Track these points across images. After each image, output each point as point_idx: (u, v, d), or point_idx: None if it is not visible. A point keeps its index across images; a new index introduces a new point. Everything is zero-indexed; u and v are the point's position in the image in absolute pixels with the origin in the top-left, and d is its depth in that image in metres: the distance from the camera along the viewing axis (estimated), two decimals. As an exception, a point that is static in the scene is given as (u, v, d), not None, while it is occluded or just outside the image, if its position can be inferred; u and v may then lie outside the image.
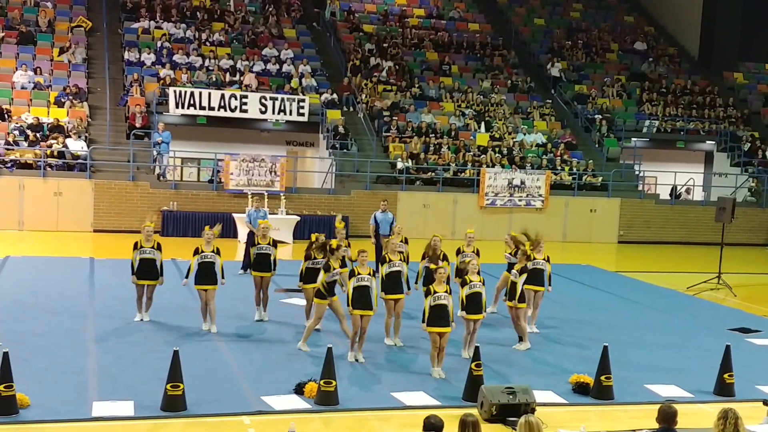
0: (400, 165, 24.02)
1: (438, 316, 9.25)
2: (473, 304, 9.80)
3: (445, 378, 9.31)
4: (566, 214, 25.07)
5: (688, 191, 28.36)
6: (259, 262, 11.63)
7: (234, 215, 21.22)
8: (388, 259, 10.54)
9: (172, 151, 22.90)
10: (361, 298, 9.60)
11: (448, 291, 9.34)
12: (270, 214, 21.25)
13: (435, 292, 9.30)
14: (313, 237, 10.88)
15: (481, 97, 28.32)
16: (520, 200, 24.51)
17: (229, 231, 21.60)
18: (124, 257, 17.49)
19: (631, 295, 15.84)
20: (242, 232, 20.76)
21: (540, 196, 24.61)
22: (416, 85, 28.17)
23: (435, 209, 23.56)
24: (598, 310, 14.18)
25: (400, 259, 10.67)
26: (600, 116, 28.40)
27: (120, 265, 16.28)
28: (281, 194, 21.95)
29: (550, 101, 29.05)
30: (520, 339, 11.00)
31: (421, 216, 23.64)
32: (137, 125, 23.00)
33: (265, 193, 21.70)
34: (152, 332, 10.87)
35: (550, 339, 11.64)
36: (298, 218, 21.40)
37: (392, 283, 10.49)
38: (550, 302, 14.42)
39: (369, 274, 9.65)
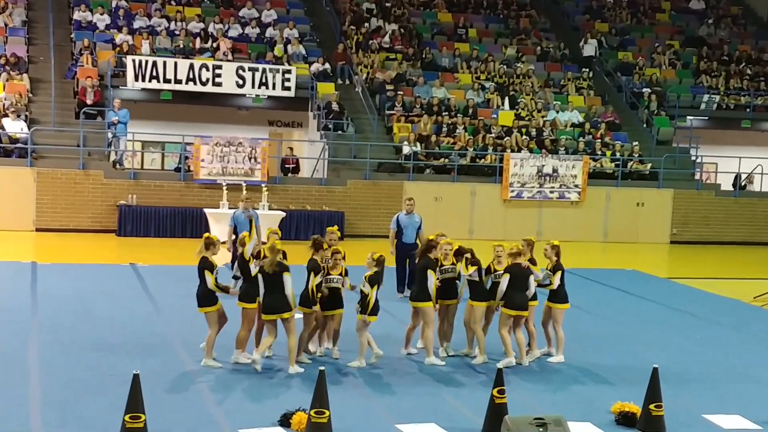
0: (406, 150, 24.04)
1: (444, 289, 10.92)
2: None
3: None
4: (607, 209, 25.09)
5: (753, 181, 28.36)
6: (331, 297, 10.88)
7: (206, 211, 21.25)
8: (440, 263, 11.06)
9: (130, 133, 22.93)
10: (329, 299, 10.67)
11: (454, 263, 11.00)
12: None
13: (441, 265, 10.95)
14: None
15: (505, 67, 28.32)
16: (551, 192, 24.53)
17: (199, 229, 21.62)
18: (72, 261, 17.55)
19: (686, 306, 15.85)
20: (216, 231, 20.77)
21: (576, 186, 24.63)
22: (426, 53, 28.17)
23: (449, 203, 23.60)
24: (645, 324, 14.19)
25: (453, 263, 11.16)
26: (648, 90, 28.40)
27: (68, 271, 16.29)
28: (263, 185, 21.97)
29: (588, 71, 29.03)
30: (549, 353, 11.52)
31: (432, 211, 23.68)
32: (88, 102, 23.03)
33: (243, 184, 21.72)
34: (107, 352, 10.90)
35: (589, 359, 11.65)
36: (284, 214, 21.43)
37: (447, 288, 11.16)
38: (588, 315, 14.42)
39: (340, 274, 10.68)
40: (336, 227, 11.80)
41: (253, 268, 10.33)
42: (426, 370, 10.74)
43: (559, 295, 11.29)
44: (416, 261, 11.35)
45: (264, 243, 10.63)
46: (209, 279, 10.29)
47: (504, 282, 10.86)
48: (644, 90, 28.48)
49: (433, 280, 10.79)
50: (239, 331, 10.49)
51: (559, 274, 11.20)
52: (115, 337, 11.61)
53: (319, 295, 10.67)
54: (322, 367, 8.29)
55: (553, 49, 29.93)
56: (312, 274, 10.53)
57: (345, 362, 10.80)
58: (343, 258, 10.85)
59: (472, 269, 10.95)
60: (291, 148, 25.44)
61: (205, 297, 10.40)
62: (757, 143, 29.63)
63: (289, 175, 24.22)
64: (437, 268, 11.03)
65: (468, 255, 11.11)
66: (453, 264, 11.21)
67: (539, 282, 11.16)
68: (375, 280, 10.62)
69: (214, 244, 10.45)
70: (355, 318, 10.76)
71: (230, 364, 10.49)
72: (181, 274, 16.74)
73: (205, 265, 10.35)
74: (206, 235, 10.82)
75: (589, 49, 29.90)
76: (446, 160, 24.37)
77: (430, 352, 10.97)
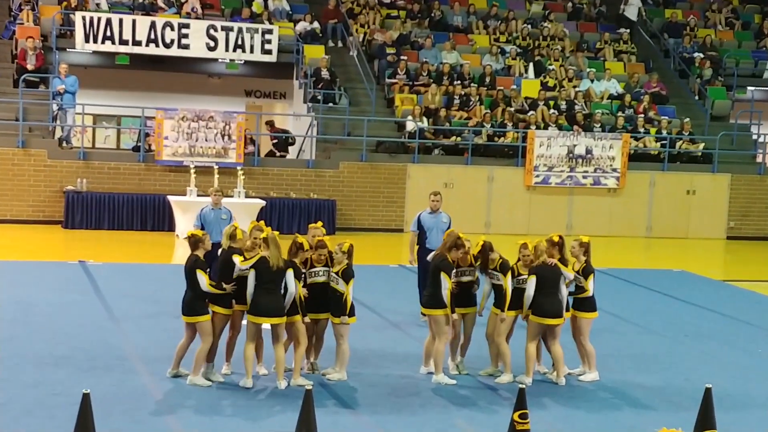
0: (410, 126, 24.03)
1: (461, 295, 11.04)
2: None
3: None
4: (652, 198, 25.10)
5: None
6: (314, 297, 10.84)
7: (170, 198, 21.25)
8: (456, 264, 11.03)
9: (79, 104, 22.89)
10: (313, 300, 10.68)
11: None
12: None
13: (459, 266, 11.02)
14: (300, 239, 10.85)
15: (529, 27, 28.28)
16: (584, 177, 24.53)
17: (162, 221, 21.64)
18: (9, 258, 17.55)
19: (746, 314, 15.85)
20: (183, 222, 20.78)
21: (614, 170, 24.64)
22: (435, 10, 28.12)
23: (461, 190, 23.59)
24: (697, 336, 14.20)
25: (472, 264, 11.21)
26: (701, 55, 28.37)
27: (4, 270, 16.28)
28: (238, 168, 21.97)
29: (629, 32, 28.99)
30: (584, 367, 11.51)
31: (443, 199, 23.68)
32: (29, 67, 23.01)
33: (215, 167, 21.71)
34: (52, 368, 10.90)
35: (628, 378, 11.66)
36: (263, 203, 21.42)
37: (464, 294, 11.21)
38: (628, 326, 14.42)
39: (325, 266, 10.75)
40: (320, 223, 11.62)
41: (238, 267, 10.33)
42: (435, 390, 10.74)
43: (586, 302, 11.27)
44: (430, 259, 11.31)
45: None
46: (203, 280, 10.27)
47: (530, 286, 10.86)
48: (696, 55, 28.45)
49: (447, 284, 10.77)
50: (201, 345, 10.46)
51: (591, 277, 11.18)
52: (61, 350, 11.61)
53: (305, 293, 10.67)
54: (309, 385, 8.29)
55: (587, 5, 29.88)
56: (296, 281, 10.48)
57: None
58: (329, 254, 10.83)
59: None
60: (271, 123, 25.42)
61: (195, 304, 10.39)
62: (831, 119, 29.63)
63: (279, 154, 24.24)
64: (454, 270, 11.00)
65: (496, 255, 11.09)
66: (471, 265, 11.21)
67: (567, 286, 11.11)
68: (349, 274, 10.65)
69: (203, 240, 10.51)
70: (340, 324, 10.76)
71: (221, 383, 10.51)
72: (140, 274, 16.79)
73: (197, 265, 10.35)
74: (190, 232, 10.82)
75: (632, 9, 29.82)
76: (458, 138, 24.35)
77: (438, 369, 10.99)
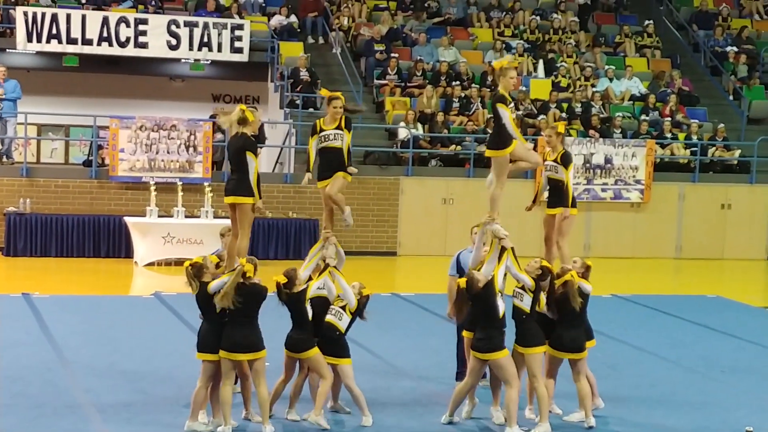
0: (403, 133, 24.04)
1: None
2: None
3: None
4: (681, 213, 25.10)
5: None
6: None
7: (127, 220, 21.20)
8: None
9: (21, 113, 22.84)
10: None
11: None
12: (188, 216, 21.32)
13: None
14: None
15: (538, 18, 28.32)
16: (604, 190, 24.53)
17: (118, 245, 21.55)
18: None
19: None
20: (142, 247, 20.71)
21: (637, 182, 24.65)
22: (430, 0, 28.17)
23: (462, 206, 23.55)
24: (735, 371, 14.15)
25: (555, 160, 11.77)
26: (736, 49, 28.42)
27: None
28: (206, 184, 21.94)
29: (653, 23, 29.05)
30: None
31: (441, 217, 23.68)
32: (-37, 71, 22.96)
33: (179, 183, 21.67)
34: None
35: (656, 420, 11.62)
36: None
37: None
38: (654, 359, 14.38)
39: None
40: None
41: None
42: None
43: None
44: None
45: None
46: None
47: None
48: (730, 49, 28.52)
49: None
50: (197, 390, 10.40)
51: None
52: (2, 397, 11.53)
53: None
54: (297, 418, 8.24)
55: (604, -7, 29.98)
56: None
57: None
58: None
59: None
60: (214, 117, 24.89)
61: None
62: None
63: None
64: None
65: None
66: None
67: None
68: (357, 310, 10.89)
69: (207, 266, 10.46)
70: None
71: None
72: (92, 308, 16.69)
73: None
74: (187, 263, 10.70)
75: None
76: (458, 147, 24.36)
77: (513, 420, 10.60)
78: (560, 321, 10.89)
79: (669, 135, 25.60)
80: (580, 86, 26.49)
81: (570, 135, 24.18)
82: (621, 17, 29.47)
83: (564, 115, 24.81)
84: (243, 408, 10.66)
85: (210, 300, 10.19)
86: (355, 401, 10.82)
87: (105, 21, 23.82)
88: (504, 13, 28.29)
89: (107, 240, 21.65)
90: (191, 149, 22.52)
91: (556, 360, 11.00)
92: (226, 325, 10.20)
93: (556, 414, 11.34)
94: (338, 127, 11.34)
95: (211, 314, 10.27)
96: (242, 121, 10.71)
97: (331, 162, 11.33)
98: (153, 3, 25.41)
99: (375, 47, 26.07)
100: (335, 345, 10.77)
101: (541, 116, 25.01)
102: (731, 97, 27.90)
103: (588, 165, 24.38)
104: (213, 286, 10.15)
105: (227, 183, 10.93)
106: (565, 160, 11.92)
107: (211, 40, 24.35)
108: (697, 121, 26.14)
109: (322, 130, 11.37)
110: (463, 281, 10.65)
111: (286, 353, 10.69)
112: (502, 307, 10.54)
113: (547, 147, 12.28)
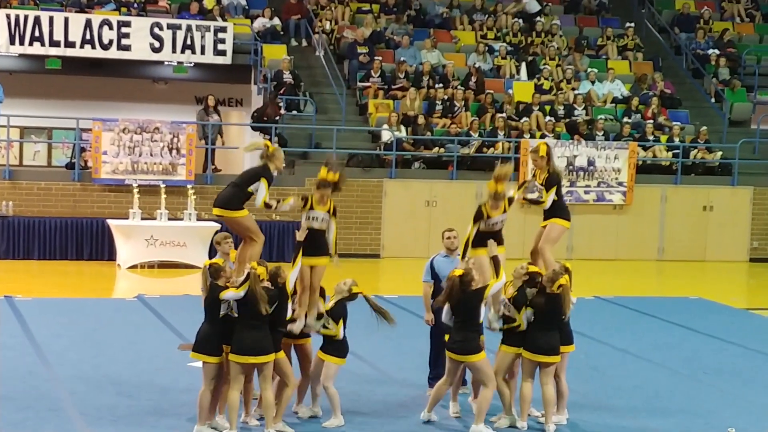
0: (387, 136, 24.05)
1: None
2: None
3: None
4: (663, 215, 25.16)
5: None
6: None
7: (110, 223, 21.15)
8: None
9: (3, 116, 22.78)
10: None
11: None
12: (171, 219, 21.29)
13: None
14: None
15: (520, 21, 28.34)
16: (586, 192, 24.58)
17: (100, 248, 21.50)
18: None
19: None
20: (125, 250, 20.67)
21: (620, 185, 24.70)
22: (413, 3, 28.16)
23: (445, 208, 23.57)
24: (718, 373, 14.20)
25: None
26: (718, 52, 28.50)
27: None
28: (189, 186, 21.91)
29: (635, 26, 29.11)
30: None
31: (424, 219, 23.67)
32: (-55, 73, 22.86)
33: (162, 185, 21.63)
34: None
35: (639, 421, 11.65)
36: (218, 226, 21.29)
37: None
38: (638, 362, 14.41)
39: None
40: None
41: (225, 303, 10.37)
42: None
43: (563, 334, 11.33)
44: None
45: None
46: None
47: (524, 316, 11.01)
48: (711, 52, 28.60)
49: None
50: (201, 393, 10.40)
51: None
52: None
53: None
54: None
55: (587, -4, 30.02)
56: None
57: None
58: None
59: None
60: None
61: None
62: None
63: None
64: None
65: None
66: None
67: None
68: (339, 313, 11.05)
69: (223, 269, 10.52)
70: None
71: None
72: (76, 311, 16.64)
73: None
74: (207, 262, 10.79)
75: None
76: (441, 149, 24.37)
77: (481, 418, 10.82)
78: (537, 324, 10.94)
79: (651, 137, 25.65)
80: (563, 89, 26.45)
81: (559, 138, 24.30)
82: (603, 20, 29.51)
83: (546, 133, 24.77)
84: (243, 410, 10.70)
85: (217, 302, 10.25)
86: (329, 401, 10.85)
87: (88, 23, 23.76)
88: (487, 15, 28.29)
89: (90, 243, 21.62)
90: (174, 152, 22.49)
91: (531, 363, 11.03)
92: (235, 328, 10.26)
93: (534, 416, 11.42)
94: (328, 211, 11.37)
95: (214, 316, 10.31)
96: (271, 156, 11.30)
97: (317, 241, 11.21)
98: (136, 6, 25.36)
99: (358, 50, 26.05)
100: (336, 346, 11.02)
101: (524, 119, 25.04)
102: (713, 100, 27.97)
103: (571, 167, 24.41)
104: (226, 295, 10.20)
105: (220, 192, 11.09)
106: (548, 183, 11.81)
107: (194, 42, 24.32)
108: (679, 123, 26.20)
109: (311, 209, 11.29)
110: (459, 272, 10.77)
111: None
112: (483, 314, 10.79)
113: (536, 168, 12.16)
